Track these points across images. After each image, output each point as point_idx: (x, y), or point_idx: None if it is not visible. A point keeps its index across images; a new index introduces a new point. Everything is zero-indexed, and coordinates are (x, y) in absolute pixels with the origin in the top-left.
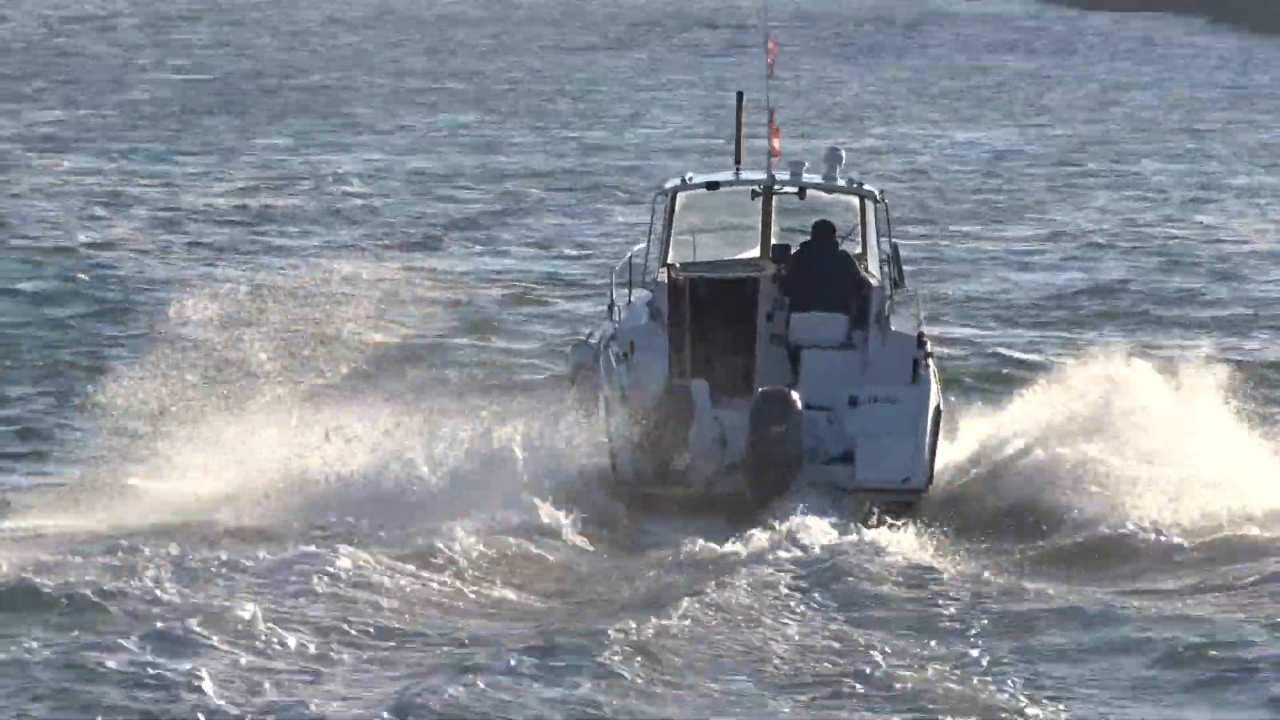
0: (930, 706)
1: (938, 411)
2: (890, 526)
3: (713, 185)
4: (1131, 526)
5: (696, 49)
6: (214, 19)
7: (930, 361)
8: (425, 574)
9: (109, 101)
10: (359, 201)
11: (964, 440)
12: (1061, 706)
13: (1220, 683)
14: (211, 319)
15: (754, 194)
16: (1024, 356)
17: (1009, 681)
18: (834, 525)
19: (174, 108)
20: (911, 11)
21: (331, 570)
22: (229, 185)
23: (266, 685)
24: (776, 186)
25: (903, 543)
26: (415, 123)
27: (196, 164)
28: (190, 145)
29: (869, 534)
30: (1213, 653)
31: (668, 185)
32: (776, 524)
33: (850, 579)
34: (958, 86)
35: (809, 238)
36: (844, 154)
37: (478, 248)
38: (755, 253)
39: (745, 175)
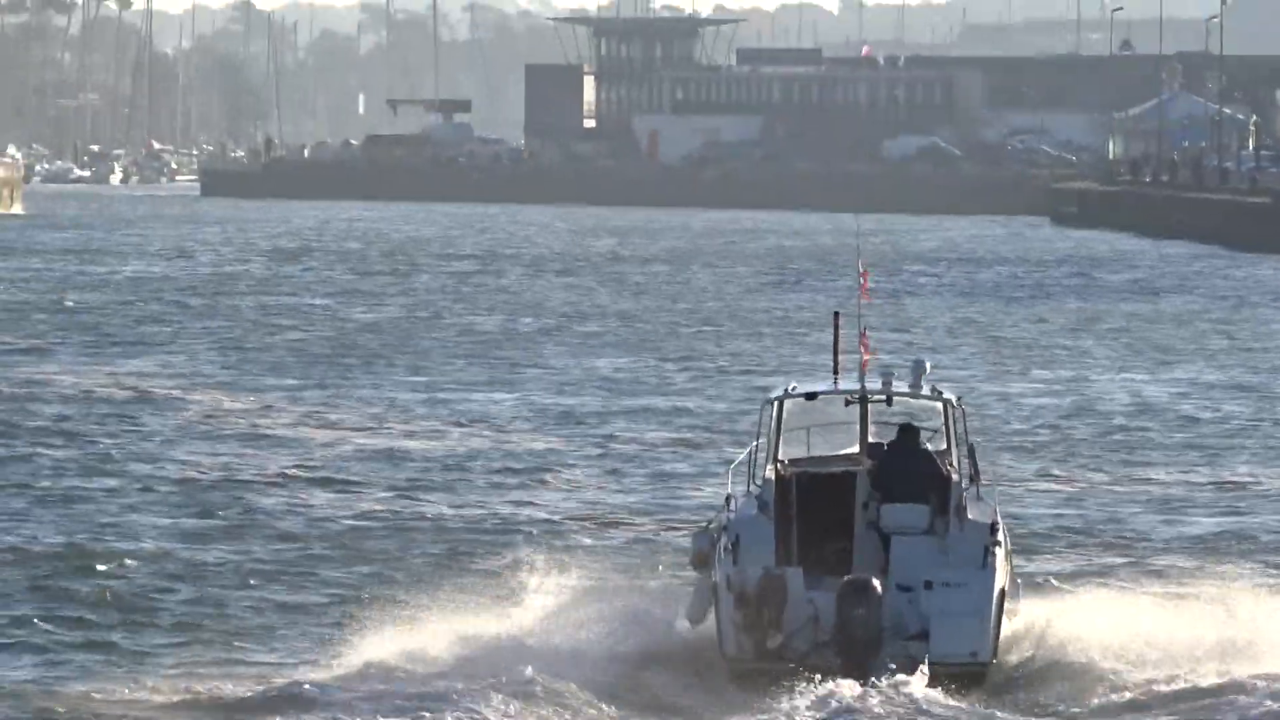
0: None
1: (1002, 593)
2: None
3: (811, 395)
4: None
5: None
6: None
7: (999, 548)
8: None
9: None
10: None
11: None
12: None
13: None
14: None
15: (847, 402)
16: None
17: None
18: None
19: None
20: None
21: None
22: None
23: None
24: (869, 396)
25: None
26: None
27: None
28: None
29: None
30: None
31: (773, 394)
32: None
33: None
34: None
35: (896, 437)
36: (928, 365)
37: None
38: (855, 449)
39: (841, 385)
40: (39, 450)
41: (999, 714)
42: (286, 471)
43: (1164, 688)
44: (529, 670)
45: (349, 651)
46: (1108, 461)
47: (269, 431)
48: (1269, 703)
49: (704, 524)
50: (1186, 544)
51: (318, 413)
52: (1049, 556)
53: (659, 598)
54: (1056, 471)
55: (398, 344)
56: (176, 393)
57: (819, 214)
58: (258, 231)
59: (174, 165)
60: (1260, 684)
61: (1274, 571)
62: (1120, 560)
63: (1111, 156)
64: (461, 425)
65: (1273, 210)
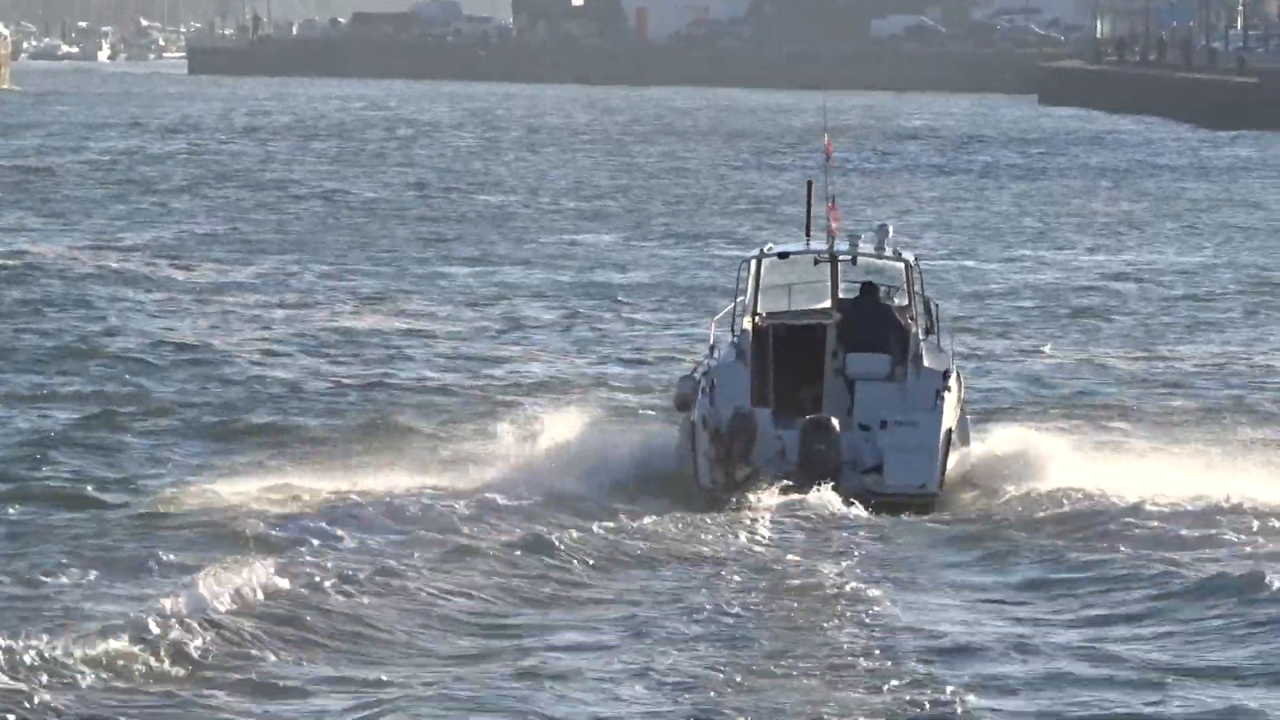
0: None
1: (949, 432)
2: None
3: (784, 254)
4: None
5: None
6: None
7: (949, 393)
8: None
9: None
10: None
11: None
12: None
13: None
14: None
15: (816, 261)
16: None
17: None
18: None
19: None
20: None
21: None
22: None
23: None
24: (836, 256)
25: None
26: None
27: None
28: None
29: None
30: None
31: (750, 254)
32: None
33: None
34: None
35: (859, 293)
36: (891, 228)
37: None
38: (826, 304)
39: (812, 246)
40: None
41: (943, 536)
42: (272, 344)
43: (1111, 524)
44: (528, 497)
45: (366, 479)
46: (1076, 334)
47: (254, 308)
48: (1233, 538)
49: (689, 370)
50: (1157, 412)
51: (310, 290)
52: (1015, 414)
53: (649, 437)
54: (1025, 343)
55: (390, 223)
56: (162, 268)
57: (807, 92)
58: (246, 108)
59: (162, 42)
60: (1231, 530)
61: (1245, 436)
62: (1088, 419)
63: (1099, 35)
64: (459, 302)
65: (1259, 90)
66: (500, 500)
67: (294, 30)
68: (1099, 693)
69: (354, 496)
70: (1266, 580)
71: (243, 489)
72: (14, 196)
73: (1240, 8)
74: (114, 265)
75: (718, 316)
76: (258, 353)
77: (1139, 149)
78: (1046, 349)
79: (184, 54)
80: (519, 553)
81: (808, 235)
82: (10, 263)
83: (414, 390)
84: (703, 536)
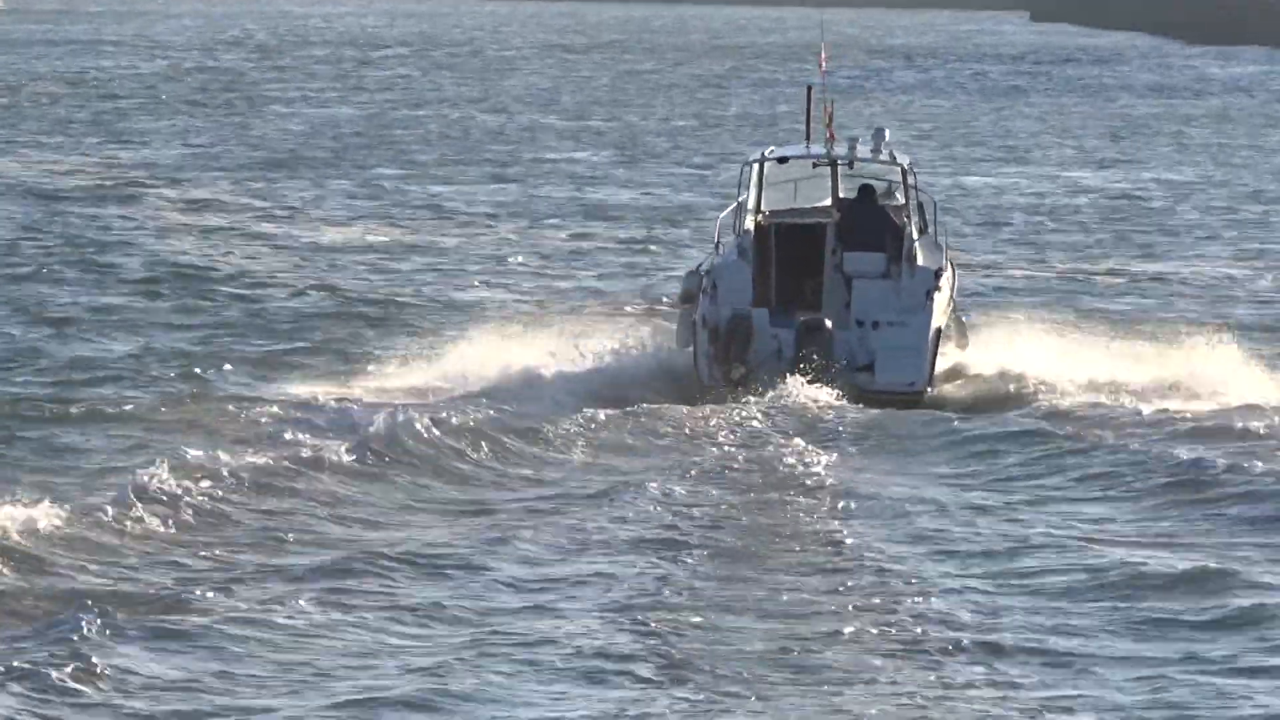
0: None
1: (938, 331)
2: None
3: (783, 159)
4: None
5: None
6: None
7: (939, 292)
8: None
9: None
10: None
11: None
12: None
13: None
14: None
15: (815, 164)
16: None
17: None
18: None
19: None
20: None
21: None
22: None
23: None
24: (834, 160)
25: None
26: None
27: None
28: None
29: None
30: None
31: (751, 157)
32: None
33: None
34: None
35: (857, 194)
36: (887, 133)
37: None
38: (827, 204)
39: (812, 150)
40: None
41: (934, 428)
42: (271, 265)
43: (1095, 410)
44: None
45: (378, 381)
46: (1066, 245)
47: (248, 225)
48: (1195, 426)
49: (695, 266)
50: (1140, 312)
51: (300, 208)
52: (1008, 312)
53: (655, 331)
54: (1017, 254)
55: (378, 140)
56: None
57: (800, 9)
58: (231, 27)
59: None
60: (1187, 417)
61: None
62: (1076, 316)
63: None
64: (454, 216)
65: (1259, 5)
66: (495, 396)
67: None
68: (1073, 574)
69: (358, 395)
70: (1247, 466)
71: (266, 392)
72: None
73: None
74: (110, 184)
75: (722, 215)
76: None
77: (1128, 66)
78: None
79: None
80: (509, 438)
81: (808, 139)
82: None
83: (411, 305)
84: (690, 428)
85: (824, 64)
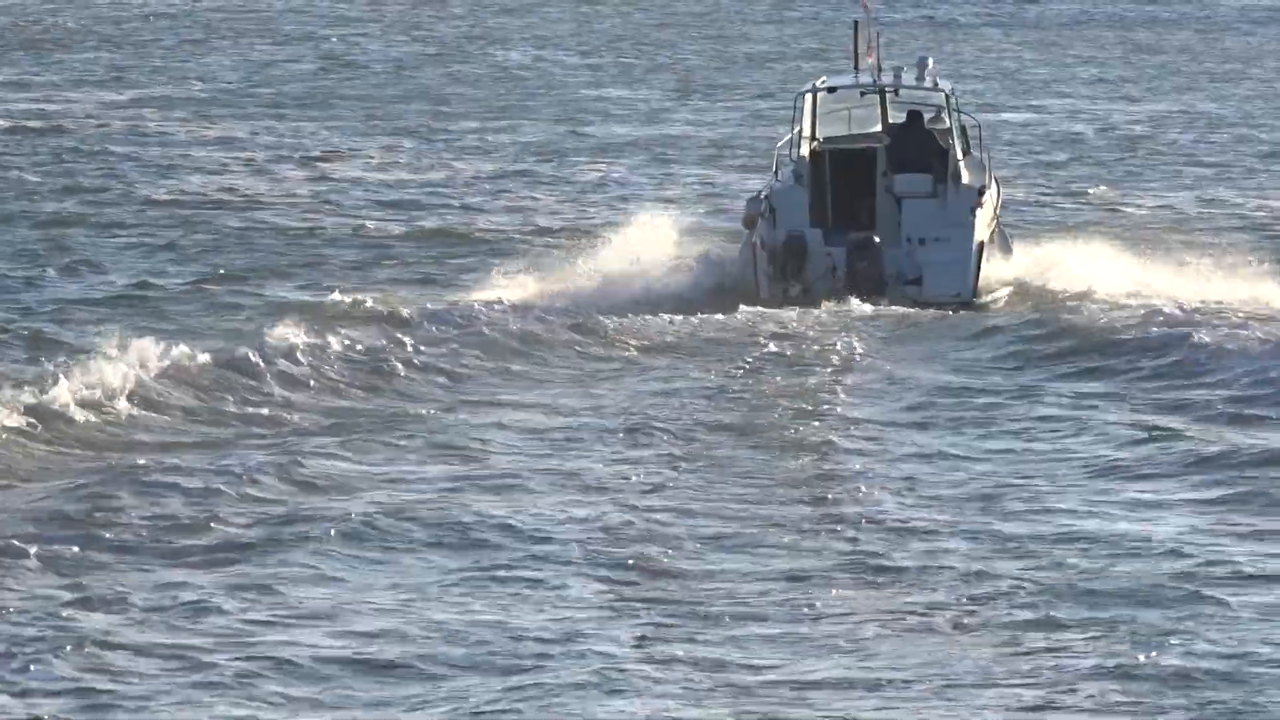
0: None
1: (981, 245)
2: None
3: (833, 89)
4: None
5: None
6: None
7: (980, 209)
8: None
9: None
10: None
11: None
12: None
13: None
14: None
15: (862, 93)
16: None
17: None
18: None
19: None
20: None
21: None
22: None
23: None
24: (881, 88)
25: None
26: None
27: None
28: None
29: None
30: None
31: (804, 88)
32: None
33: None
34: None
35: (905, 119)
36: (931, 61)
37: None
38: (877, 128)
39: (860, 79)
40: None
41: (977, 330)
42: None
43: (1123, 322)
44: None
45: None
46: (1100, 173)
47: (269, 165)
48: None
49: (755, 192)
50: (1170, 220)
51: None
52: (1049, 228)
53: (722, 249)
54: (1055, 180)
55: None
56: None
57: None
58: None
59: None
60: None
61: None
62: (1109, 229)
63: None
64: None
65: None
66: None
67: None
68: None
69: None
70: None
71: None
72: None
73: None
74: (140, 121)
75: (779, 143)
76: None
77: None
78: (1094, 190)
79: None
80: (569, 333)
81: (855, 70)
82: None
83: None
84: (731, 338)
85: (866, 4)
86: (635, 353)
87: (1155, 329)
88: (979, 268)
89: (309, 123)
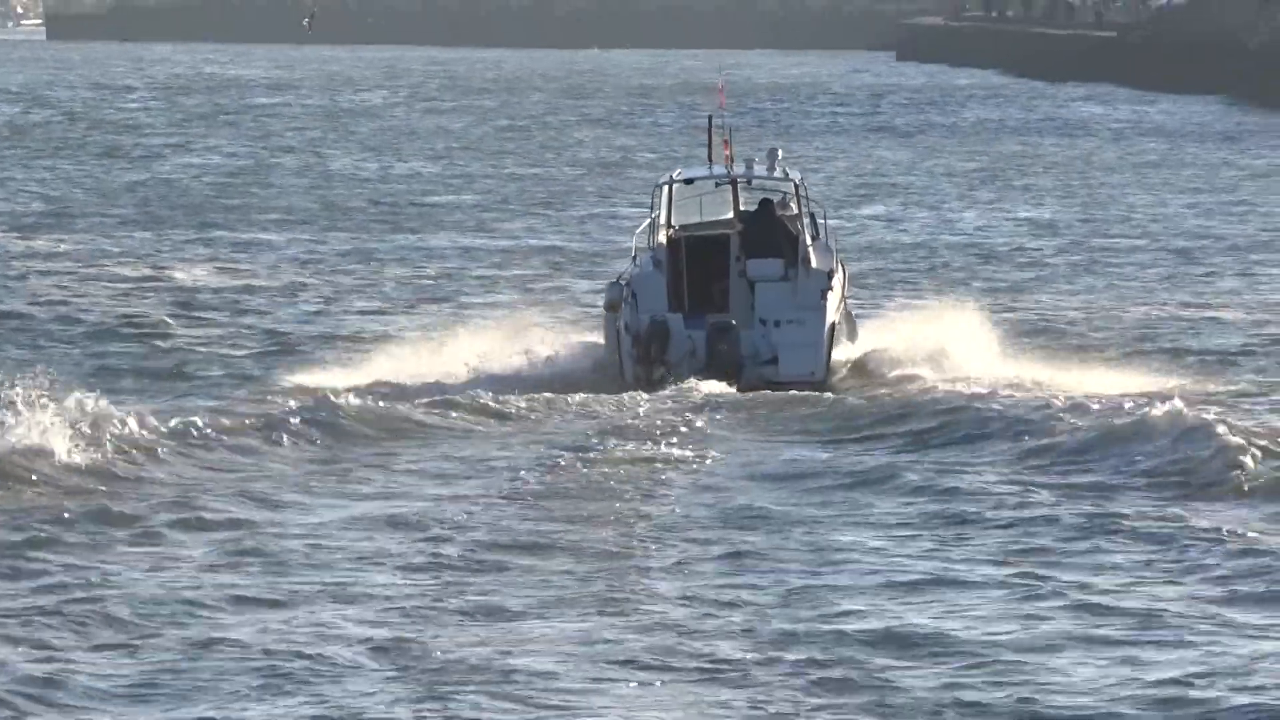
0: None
1: (833, 328)
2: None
3: (689, 180)
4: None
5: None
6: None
7: (831, 293)
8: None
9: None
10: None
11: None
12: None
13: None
14: None
15: (718, 184)
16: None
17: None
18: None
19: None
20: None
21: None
22: None
23: None
24: (734, 179)
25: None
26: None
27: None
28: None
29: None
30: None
31: (662, 180)
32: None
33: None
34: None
35: (756, 207)
36: (780, 152)
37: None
38: (730, 215)
39: (714, 171)
40: None
41: (834, 408)
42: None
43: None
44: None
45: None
46: (925, 277)
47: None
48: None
49: (615, 278)
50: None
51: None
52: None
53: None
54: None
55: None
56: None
57: (669, 51)
58: (106, 72)
59: (19, 9)
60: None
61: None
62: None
63: None
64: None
65: (1119, 44)
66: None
67: None
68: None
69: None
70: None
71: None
72: None
73: None
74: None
75: (638, 231)
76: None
77: (994, 105)
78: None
79: (42, 21)
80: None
81: (709, 162)
82: None
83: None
84: (592, 415)
85: (723, 98)
86: (477, 430)
87: (958, 404)
88: (830, 349)
89: (143, 232)
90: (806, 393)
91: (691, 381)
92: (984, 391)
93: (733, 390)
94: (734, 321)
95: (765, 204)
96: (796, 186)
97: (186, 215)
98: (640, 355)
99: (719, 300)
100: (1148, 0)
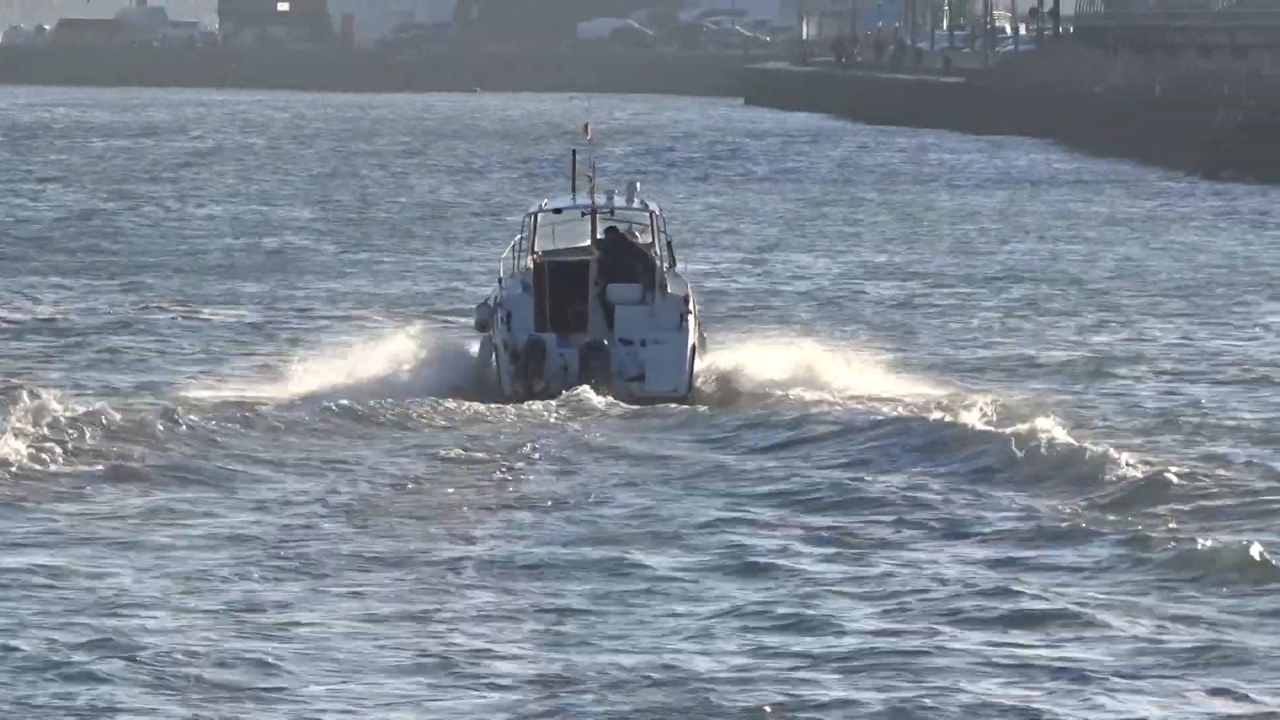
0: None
1: (693, 348)
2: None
3: (557, 210)
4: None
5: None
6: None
7: (691, 315)
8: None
9: None
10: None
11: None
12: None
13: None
14: None
15: (583, 214)
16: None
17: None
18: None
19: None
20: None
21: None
22: None
23: None
24: (598, 209)
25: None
26: None
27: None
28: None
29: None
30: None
31: (531, 209)
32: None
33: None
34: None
35: (609, 235)
36: (638, 184)
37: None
38: (587, 242)
39: (578, 202)
40: None
41: (694, 422)
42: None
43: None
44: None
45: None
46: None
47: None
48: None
49: (483, 300)
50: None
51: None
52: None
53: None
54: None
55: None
56: None
57: (519, 94)
58: None
59: None
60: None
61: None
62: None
63: (805, 37)
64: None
65: (965, 90)
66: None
67: None
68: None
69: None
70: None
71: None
72: None
73: (946, 8)
74: None
75: (504, 255)
76: None
77: (835, 148)
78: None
79: None
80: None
81: (573, 192)
82: None
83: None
84: (477, 426)
85: (589, 133)
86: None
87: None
88: (692, 367)
89: None
90: (671, 404)
91: (570, 393)
92: (826, 399)
93: (601, 401)
94: (605, 341)
95: (614, 230)
96: (654, 217)
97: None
98: (519, 370)
99: (575, 322)
100: (997, 48)
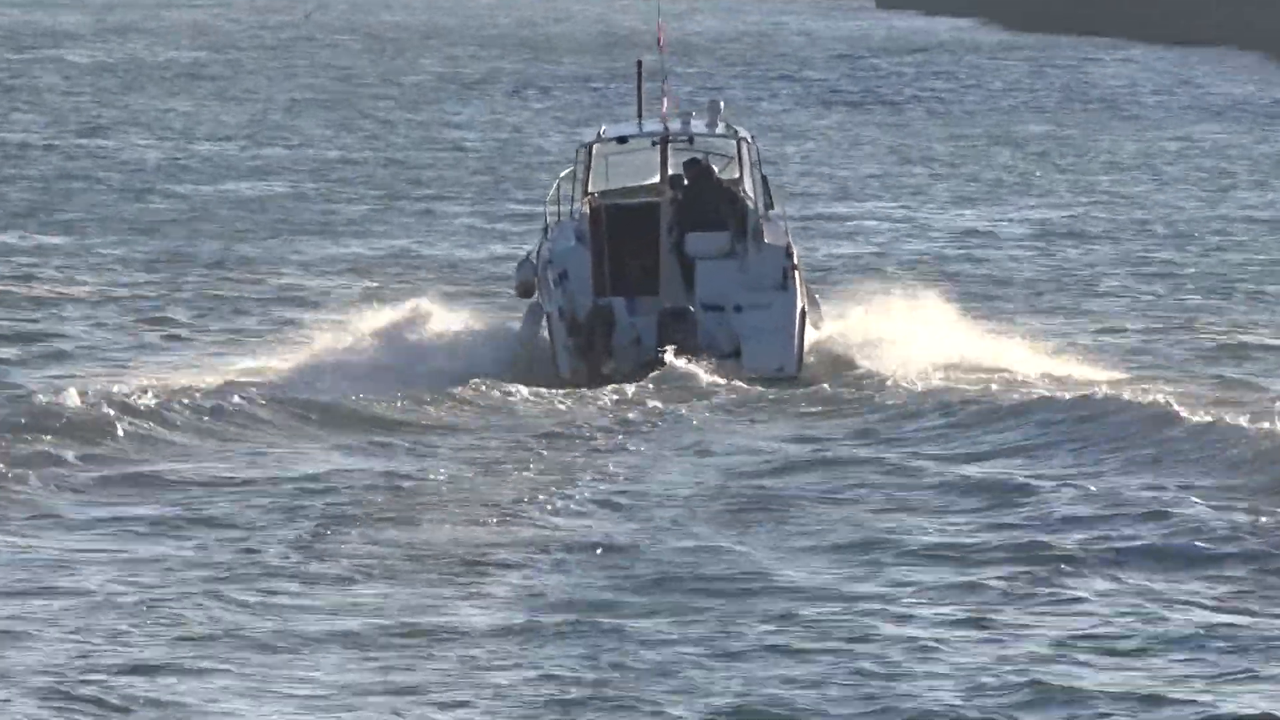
0: None
1: (803, 312)
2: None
3: (621, 139)
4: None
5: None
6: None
7: (797, 270)
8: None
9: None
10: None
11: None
12: None
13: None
14: None
15: (653, 143)
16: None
17: None
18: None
19: None
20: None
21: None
22: None
23: None
24: (671, 137)
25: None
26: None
27: None
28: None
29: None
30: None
31: (586, 139)
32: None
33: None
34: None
35: (688, 170)
36: (722, 104)
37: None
38: (656, 179)
39: (646, 128)
40: None
41: (804, 411)
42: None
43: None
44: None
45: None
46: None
47: None
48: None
49: (525, 256)
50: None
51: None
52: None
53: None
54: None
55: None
56: None
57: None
58: None
59: None
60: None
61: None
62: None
63: None
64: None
65: None
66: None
67: None
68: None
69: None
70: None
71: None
72: None
73: None
74: None
75: (548, 196)
76: None
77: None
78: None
79: None
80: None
81: (639, 117)
82: None
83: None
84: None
85: (662, 39)
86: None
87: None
88: (802, 339)
89: None
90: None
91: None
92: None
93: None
94: (691, 309)
95: (694, 164)
96: (744, 145)
97: None
98: (580, 345)
99: (642, 283)
100: None
